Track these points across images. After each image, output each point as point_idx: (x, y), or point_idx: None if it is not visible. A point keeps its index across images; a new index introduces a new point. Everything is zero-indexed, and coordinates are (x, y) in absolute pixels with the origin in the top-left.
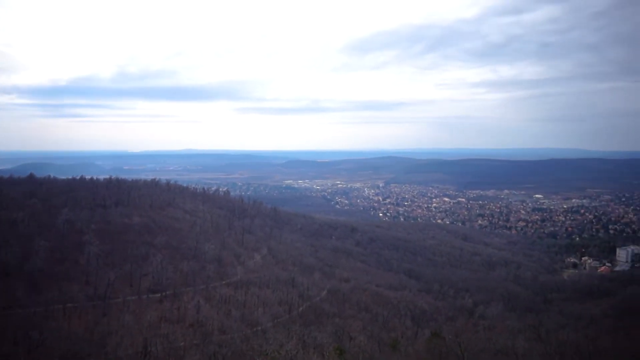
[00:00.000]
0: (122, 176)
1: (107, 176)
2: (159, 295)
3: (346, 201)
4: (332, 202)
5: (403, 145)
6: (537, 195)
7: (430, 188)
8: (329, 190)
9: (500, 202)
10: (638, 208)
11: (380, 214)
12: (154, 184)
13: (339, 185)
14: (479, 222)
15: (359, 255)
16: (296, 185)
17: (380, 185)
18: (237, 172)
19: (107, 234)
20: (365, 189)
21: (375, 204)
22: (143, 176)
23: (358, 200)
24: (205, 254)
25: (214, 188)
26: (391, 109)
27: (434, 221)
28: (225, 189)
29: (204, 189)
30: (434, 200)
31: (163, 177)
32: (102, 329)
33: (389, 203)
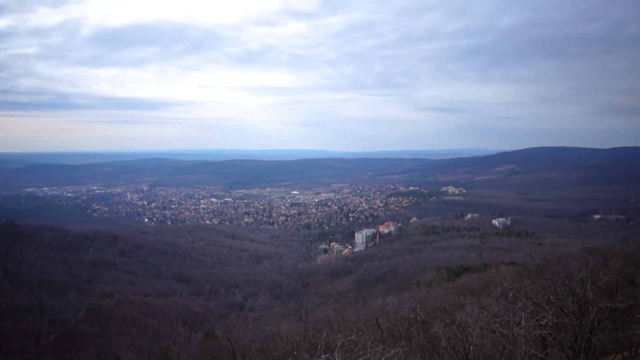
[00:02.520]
0: None
1: None
2: None
3: (106, 208)
4: (89, 211)
5: (168, 146)
6: (294, 192)
7: (198, 189)
8: (84, 197)
9: (263, 200)
10: (368, 198)
11: (146, 220)
12: None
13: (97, 191)
14: (246, 219)
15: (123, 265)
16: (41, 194)
17: (145, 188)
18: None
19: None
20: (128, 194)
21: (140, 209)
22: None
23: (120, 207)
24: None
25: None
26: (154, 108)
27: (202, 222)
28: None
29: None
30: (202, 201)
31: None
32: None
33: (155, 207)
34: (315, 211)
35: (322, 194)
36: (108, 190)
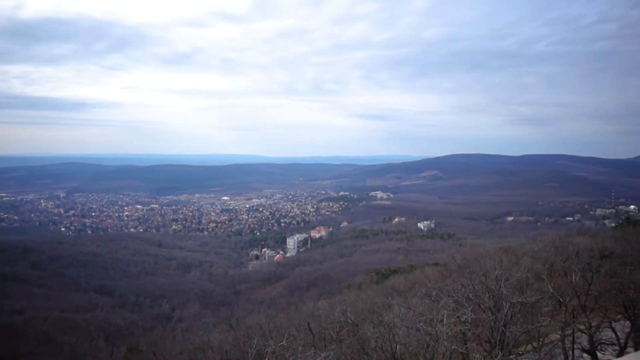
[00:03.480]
0: None
1: None
2: None
3: (16, 217)
4: None
5: (89, 150)
6: (224, 197)
7: (122, 196)
8: None
9: (192, 206)
10: (300, 203)
11: (63, 229)
12: None
13: (5, 198)
14: (173, 226)
15: (36, 279)
16: None
17: (62, 195)
18: None
19: None
20: (42, 201)
21: (56, 218)
22: None
23: (33, 215)
24: None
25: None
26: (73, 109)
27: (126, 230)
28: None
29: None
30: (126, 208)
31: None
32: None
33: (74, 215)
34: (247, 217)
35: (254, 200)
36: (19, 197)
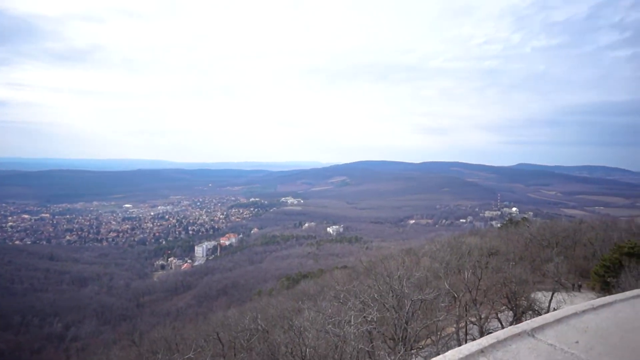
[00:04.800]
0: None
1: None
2: None
3: None
4: None
5: None
6: (126, 205)
7: (5, 205)
8: None
9: (90, 215)
10: (209, 210)
11: None
12: None
13: None
14: (68, 237)
15: None
16: None
17: None
18: None
19: None
20: None
21: None
22: None
23: None
24: None
25: None
26: None
27: (10, 243)
28: None
29: None
30: (10, 218)
31: None
32: None
33: None
34: (152, 225)
35: (160, 207)
36: None
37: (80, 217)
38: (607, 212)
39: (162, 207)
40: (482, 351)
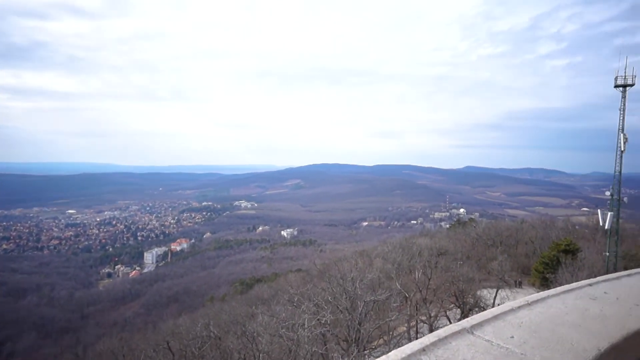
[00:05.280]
0: None
1: None
2: None
3: None
4: None
5: None
6: (70, 211)
7: None
8: None
9: (29, 222)
10: (159, 215)
11: None
12: None
13: None
14: (4, 246)
15: None
16: None
17: None
18: None
19: None
20: None
21: None
22: None
23: None
24: None
25: None
26: None
27: None
28: None
29: None
30: None
31: None
32: None
33: None
34: (98, 232)
35: (106, 213)
36: None
37: (19, 224)
38: (547, 211)
39: (109, 212)
40: (424, 350)
